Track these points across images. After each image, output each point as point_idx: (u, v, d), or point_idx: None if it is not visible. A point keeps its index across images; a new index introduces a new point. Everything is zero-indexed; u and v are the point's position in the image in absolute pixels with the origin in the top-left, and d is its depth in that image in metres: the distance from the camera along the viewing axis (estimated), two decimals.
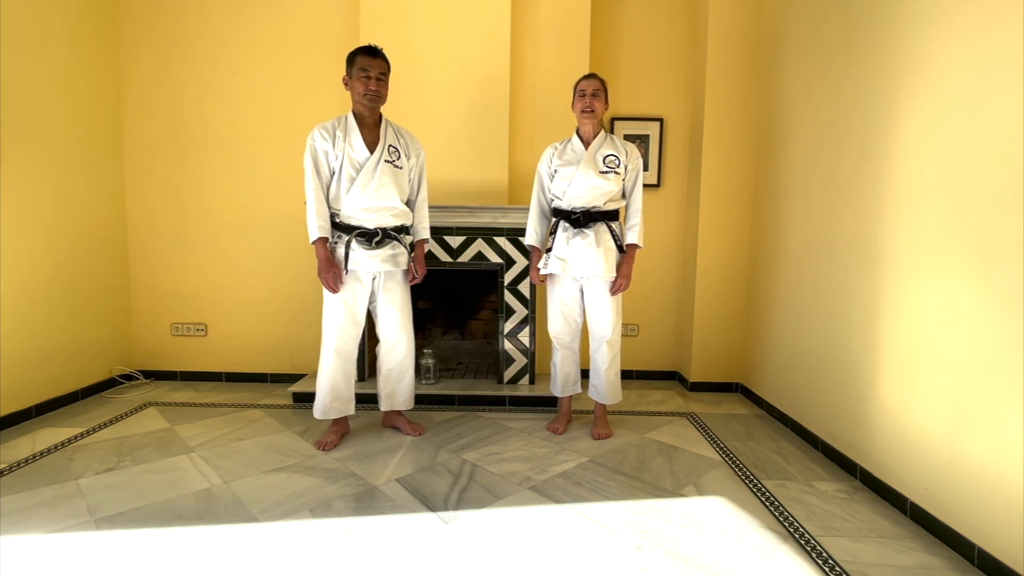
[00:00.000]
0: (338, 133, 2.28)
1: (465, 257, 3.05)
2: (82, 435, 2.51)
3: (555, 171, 2.52)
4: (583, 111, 2.43)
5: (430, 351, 3.13)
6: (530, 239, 2.60)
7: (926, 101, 1.87)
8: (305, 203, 2.31)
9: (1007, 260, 1.54)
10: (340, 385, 2.40)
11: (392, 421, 2.63)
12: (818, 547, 1.70)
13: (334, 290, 2.30)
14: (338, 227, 2.32)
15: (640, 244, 2.48)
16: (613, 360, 2.56)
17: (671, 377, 3.59)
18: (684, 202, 3.49)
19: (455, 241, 3.04)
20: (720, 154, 3.20)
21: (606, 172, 2.44)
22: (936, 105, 1.83)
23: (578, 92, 2.45)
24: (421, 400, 2.93)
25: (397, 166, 2.35)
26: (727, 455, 2.40)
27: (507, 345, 3.08)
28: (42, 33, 2.74)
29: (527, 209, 2.89)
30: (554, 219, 2.56)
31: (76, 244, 2.97)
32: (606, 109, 2.48)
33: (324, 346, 2.38)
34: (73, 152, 2.93)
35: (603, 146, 2.47)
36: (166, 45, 3.23)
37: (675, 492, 2.06)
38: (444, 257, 3.05)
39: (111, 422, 2.68)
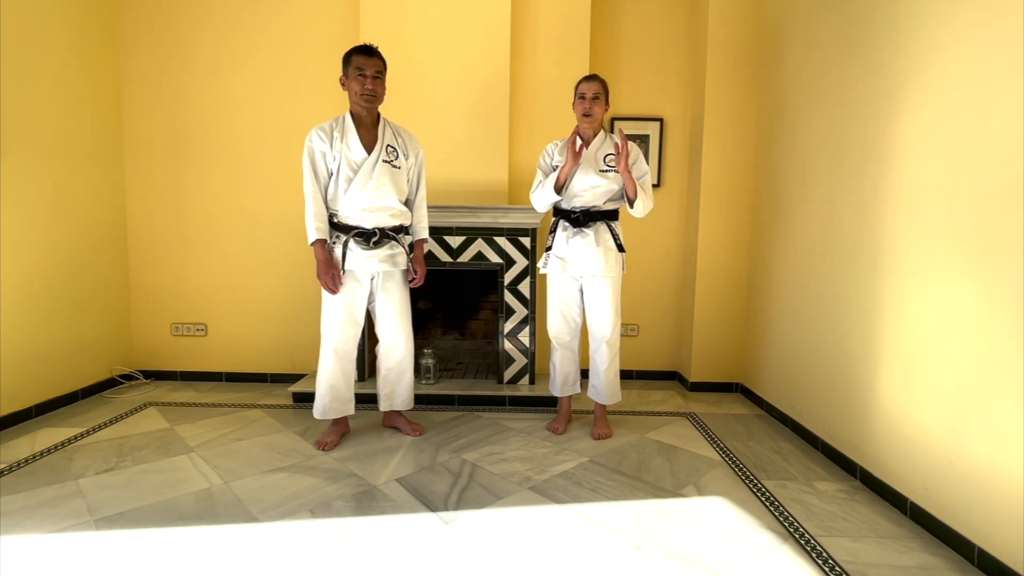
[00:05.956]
0: (336, 134, 2.28)
1: (465, 257, 3.05)
2: (82, 435, 2.51)
3: (556, 167, 2.52)
4: (583, 115, 2.43)
5: (430, 351, 3.13)
6: (548, 179, 2.48)
7: (926, 101, 1.87)
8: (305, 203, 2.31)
9: (1007, 260, 1.54)
10: (339, 385, 2.40)
11: (392, 421, 2.63)
12: (818, 547, 1.70)
13: (333, 291, 2.30)
14: (336, 227, 2.32)
15: (639, 196, 2.39)
16: (612, 360, 2.56)
17: (671, 377, 3.59)
18: (684, 202, 3.48)
19: (455, 241, 3.04)
20: (720, 154, 3.20)
21: (606, 171, 2.44)
22: (936, 105, 1.83)
23: (578, 95, 2.44)
24: (421, 400, 2.93)
25: (395, 166, 2.35)
26: (727, 455, 2.40)
27: (507, 345, 3.08)
28: (42, 33, 2.74)
29: (527, 209, 2.90)
30: (554, 218, 2.55)
31: (76, 244, 2.97)
32: (606, 111, 2.48)
33: (323, 346, 2.38)
34: (73, 152, 2.93)
35: (603, 146, 2.47)
36: (166, 45, 3.23)
37: (675, 492, 2.06)
38: (444, 257, 3.05)
39: (111, 422, 2.68)
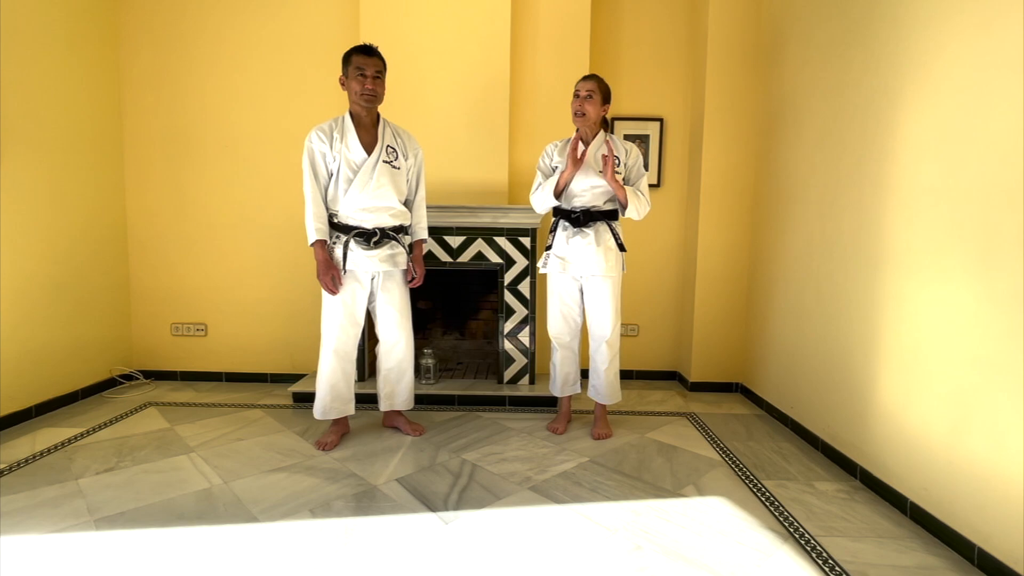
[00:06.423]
0: (335, 134, 2.28)
1: (465, 257, 3.05)
2: (82, 435, 2.51)
3: (555, 167, 2.52)
4: (574, 114, 2.43)
5: (430, 351, 3.13)
6: (548, 182, 2.48)
7: (926, 101, 1.87)
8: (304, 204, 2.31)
9: (1007, 260, 1.54)
10: (340, 385, 2.40)
11: (392, 421, 2.63)
12: (818, 547, 1.70)
13: (333, 292, 2.30)
14: (336, 227, 2.32)
15: (631, 203, 2.40)
16: (612, 360, 2.56)
17: (671, 377, 3.59)
18: (684, 202, 3.48)
19: (455, 241, 3.04)
20: (720, 154, 3.20)
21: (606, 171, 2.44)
22: (936, 105, 1.83)
23: (574, 93, 2.45)
24: (421, 400, 2.93)
25: (395, 166, 2.35)
26: (727, 455, 2.40)
27: (507, 345, 3.08)
28: (42, 33, 2.74)
29: (527, 209, 2.90)
30: (554, 218, 2.55)
31: (76, 244, 2.97)
32: (604, 111, 2.46)
33: (323, 346, 2.38)
34: (73, 152, 2.93)
35: (603, 146, 2.47)
36: (166, 45, 3.23)
37: (675, 492, 2.06)
38: (444, 257, 3.05)
39: (111, 422, 2.68)
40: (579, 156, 2.39)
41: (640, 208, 2.44)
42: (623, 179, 2.48)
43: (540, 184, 2.54)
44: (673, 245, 3.50)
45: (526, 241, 3.03)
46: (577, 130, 2.51)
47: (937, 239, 1.80)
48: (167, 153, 3.29)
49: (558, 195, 2.47)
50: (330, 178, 2.29)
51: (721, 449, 2.46)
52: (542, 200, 2.51)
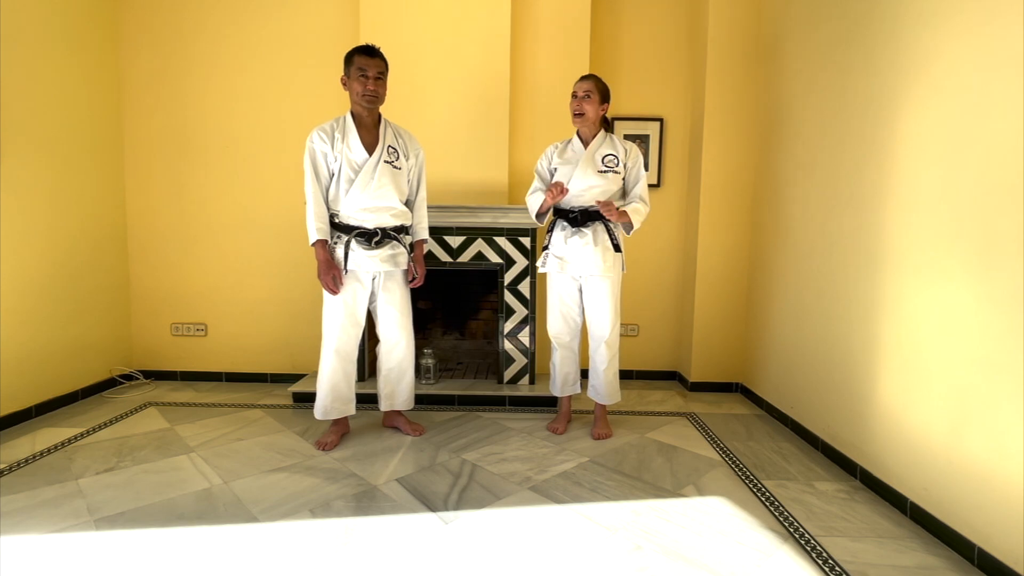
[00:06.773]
0: (336, 135, 2.28)
1: (465, 257, 3.05)
2: (82, 435, 2.51)
3: (554, 169, 2.53)
4: (573, 114, 2.44)
5: (430, 351, 3.13)
6: (534, 198, 2.54)
7: (926, 101, 1.87)
8: (305, 204, 2.31)
9: (1007, 260, 1.54)
10: (340, 385, 2.40)
11: (392, 421, 2.63)
12: (818, 547, 1.70)
13: (334, 292, 2.30)
14: (337, 227, 2.32)
15: (634, 220, 2.41)
16: (612, 360, 2.56)
17: (671, 377, 3.59)
18: (684, 202, 3.49)
19: (455, 241, 3.04)
20: (720, 154, 3.20)
21: (604, 171, 2.44)
22: (936, 105, 1.83)
23: (572, 94, 2.45)
24: (421, 400, 2.93)
25: (396, 167, 2.35)
26: (727, 455, 2.40)
27: (507, 345, 3.08)
28: (42, 33, 2.74)
29: (527, 209, 2.89)
30: (552, 218, 2.56)
31: (76, 244, 2.97)
32: (603, 111, 2.46)
33: (324, 346, 2.38)
34: (73, 152, 2.93)
35: (602, 146, 2.48)
36: (166, 45, 3.23)
37: (675, 492, 2.06)
38: (444, 257, 3.05)
39: (111, 422, 2.68)
40: (559, 191, 2.37)
41: (642, 216, 2.46)
42: (623, 179, 2.49)
43: (534, 190, 2.57)
44: (673, 245, 3.51)
45: (526, 241, 3.04)
46: (577, 130, 2.52)
47: (937, 239, 1.80)
48: (167, 153, 3.29)
49: (541, 215, 2.54)
50: (331, 178, 2.30)
51: (721, 449, 2.46)
52: (531, 208, 2.57)
